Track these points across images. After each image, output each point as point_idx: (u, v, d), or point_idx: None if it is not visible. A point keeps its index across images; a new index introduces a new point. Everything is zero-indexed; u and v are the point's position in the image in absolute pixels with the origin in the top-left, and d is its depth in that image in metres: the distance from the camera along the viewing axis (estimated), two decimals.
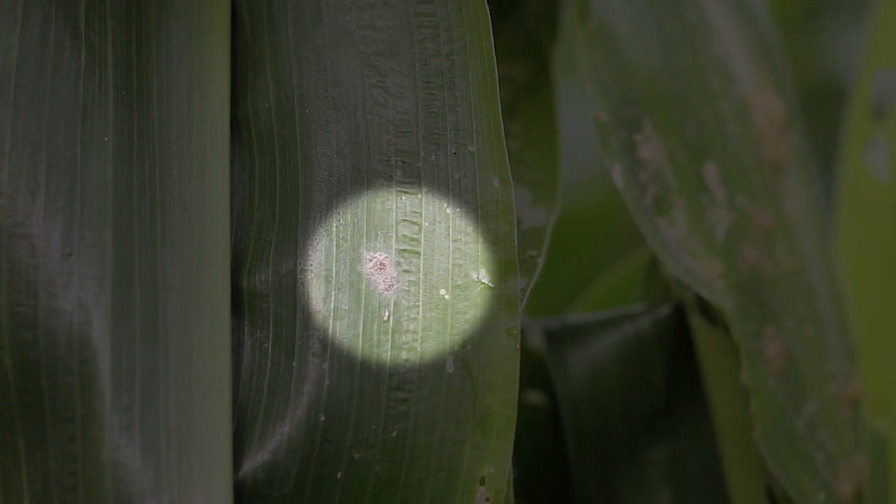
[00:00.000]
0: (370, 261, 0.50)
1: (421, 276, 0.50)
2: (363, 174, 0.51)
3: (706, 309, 0.61)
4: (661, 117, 0.61)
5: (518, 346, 0.49)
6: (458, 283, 0.50)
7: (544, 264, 0.55)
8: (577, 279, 0.86)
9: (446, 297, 0.50)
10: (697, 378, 0.63)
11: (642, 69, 0.61)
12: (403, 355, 0.49)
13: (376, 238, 0.50)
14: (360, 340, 0.49)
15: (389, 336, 0.49)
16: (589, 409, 0.64)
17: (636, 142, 0.59)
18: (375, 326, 0.49)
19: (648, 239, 0.57)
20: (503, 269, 0.50)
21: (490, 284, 0.50)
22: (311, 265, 0.50)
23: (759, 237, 0.62)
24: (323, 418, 0.49)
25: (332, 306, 0.49)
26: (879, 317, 0.65)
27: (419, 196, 0.50)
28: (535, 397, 0.65)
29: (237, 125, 0.53)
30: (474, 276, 0.50)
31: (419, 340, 0.49)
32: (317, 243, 0.50)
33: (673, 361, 0.64)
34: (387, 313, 0.49)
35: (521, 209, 0.58)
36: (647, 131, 0.60)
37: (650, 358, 0.64)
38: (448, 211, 0.50)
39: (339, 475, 0.49)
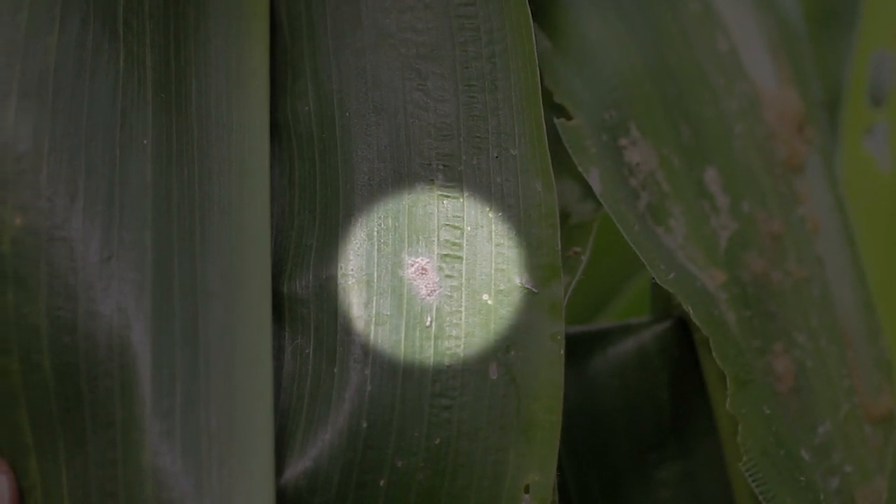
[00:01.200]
0: (412, 265, 0.49)
1: (463, 281, 0.49)
2: (404, 178, 0.50)
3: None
4: (649, 121, 0.59)
5: (562, 351, 0.49)
6: (501, 288, 0.49)
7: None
8: (606, 286, 0.84)
9: (489, 302, 0.49)
10: (706, 395, 0.61)
11: (624, 73, 0.59)
12: (446, 361, 0.49)
13: (418, 242, 0.50)
14: (403, 346, 0.49)
15: (432, 342, 0.49)
16: (587, 428, 0.62)
17: (622, 145, 0.58)
18: (418, 332, 0.49)
19: (636, 246, 0.55)
20: (546, 273, 0.49)
21: (533, 289, 0.49)
22: (352, 270, 0.49)
23: (767, 245, 0.60)
24: (365, 425, 0.48)
25: (374, 312, 0.49)
26: (882, 306, 0.64)
27: (461, 200, 0.50)
28: None
29: (277, 129, 0.53)
30: (517, 280, 0.49)
31: (462, 346, 0.49)
32: (358, 248, 0.50)
33: (678, 377, 0.62)
34: (429, 319, 0.49)
35: (571, 203, 0.57)
36: (635, 135, 0.58)
37: (653, 373, 0.62)
38: (490, 215, 0.50)
39: (381, 483, 0.48)
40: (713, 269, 0.58)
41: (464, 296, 0.49)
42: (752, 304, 0.58)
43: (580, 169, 0.55)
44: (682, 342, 0.61)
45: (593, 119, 0.57)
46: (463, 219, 0.50)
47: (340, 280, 0.49)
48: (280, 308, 0.50)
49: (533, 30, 0.51)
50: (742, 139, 0.61)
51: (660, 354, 0.62)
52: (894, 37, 0.66)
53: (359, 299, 0.49)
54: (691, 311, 0.55)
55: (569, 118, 0.55)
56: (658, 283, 0.55)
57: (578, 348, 0.62)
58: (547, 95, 0.54)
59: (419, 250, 0.50)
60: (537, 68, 0.51)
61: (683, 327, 0.61)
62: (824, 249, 0.62)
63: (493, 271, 0.49)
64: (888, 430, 0.61)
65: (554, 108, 0.57)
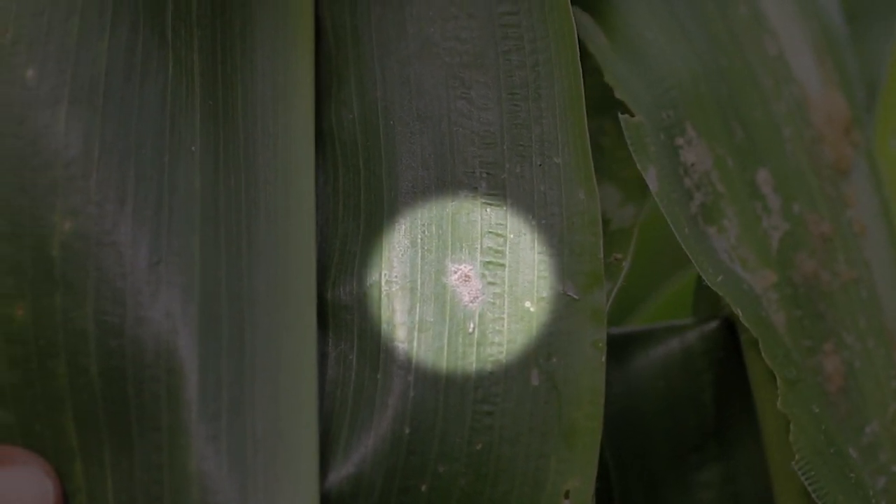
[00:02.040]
0: (455, 272, 0.50)
1: (506, 288, 0.50)
2: (448, 186, 0.51)
3: None
4: (704, 121, 0.59)
5: (604, 359, 0.49)
6: (544, 295, 0.49)
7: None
8: (641, 287, 0.84)
9: (531, 309, 0.49)
10: (749, 396, 0.60)
11: (680, 73, 0.59)
12: (488, 367, 0.49)
13: (461, 250, 0.50)
14: (445, 352, 0.49)
15: (474, 348, 0.49)
16: (630, 430, 0.62)
17: (678, 145, 0.58)
18: (460, 339, 0.49)
19: (687, 248, 0.55)
20: (589, 281, 0.50)
21: (575, 296, 0.49)
22: (395, 277, 0.50)
23: (817, 246, 0.60)
24: (408, 431, 0.48)
25: (417, 318, 0.49)
26: None
27: (504, 208, 0.50)
28: None
29: (321, 137, 0.53)
30: (560, 288, 0.50)
31: (504, 353, 0.49)
32: (402, 255, 0.50)
33: (722, 378, 0.62)
34: (472, 325, 0.49)
35: (611, 209, 0.57)
36: (691, 135, 0.58)
37: (697, 374, 0.62)
38: (533, 223, 0.50)
39: (423, 488, 0.48)
40: (765, 269, 0.58)
41: (506, 303, 0.50)
42: (802, 304, 0.59)
43: (639, 167, 0.55)
44: (728, 343, 0.61)
45: (652, 117, 0.57)
46: (506, 226, 0.50)
47: (384, 287, 0.50)
48: (324, 314, 0.51)
49: (577, 38, 0.52)
50: (791, 142, 0.61)
51: (704, 355, 0.61)
52: None
53: (402, 306, 0.50)
54: (740, 313, 0.55)
55: (630, 115, 0.56)
56: (708, 285, 0.55)
57: (621, 350, 0.62)
58: (590, 101, 0.54)
59: (462, 257, 0.50)
60: (581, 77, 0.51)
61: (729, 328, 0.61)
62: (871, 252, 0.62)
63: (535, 278, 0.50)
64: None
65: (597, 114, 0.57)
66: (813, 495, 0.53)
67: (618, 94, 0.56)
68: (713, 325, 0.62)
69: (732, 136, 0.60)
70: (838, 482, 0.54)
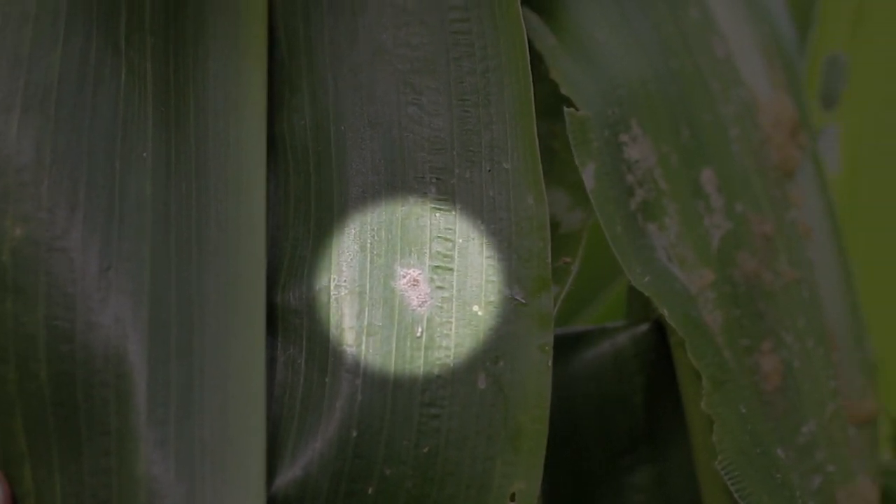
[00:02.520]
0: (404, 277, 0.50)
1: (454, 292, 0.50)
2: (398, 191, 0.51)
3: None
4: (651, 119, 0.59)
5: (550, 363, 0.49)
6: (491, 299, 0.50)
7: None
8: (589, 290, 0.84)
9: (479, 313, 0.50)
10: (679, 397, 0.61)
11: (629, 72, 0.59)
12: (436, 371, 0.49)
13: (410, 254, 0.50)
14: (393, 356, 0.49)
15: (422, 352, 0.49)
16: (562, 432, 0.62)
17: (623, 142, 0.58)
18: (408, 343, 0.49)
19: (615, 247, 0.55)
20: (536, 285, 0.50)
21: (523, 301, 0.50)
22: (344, 281, 0.50)
23: (759, 246, 0.60)
24: (355, 434, 0.49)
25: (366, 322, 0.50)
26: None
27: (453, 213, 0.51)
28: None
29: (273, 143, 0.53)
30: (507, 292, 0.50)
31: (451, 357, 0.49)
32: (351, 259, 0.51)
33: (653, 381, 0.62)
34: (420, 329, 0.50)
35: (559, 213, 0.58)
36: (636, 132, 0.58)
37: (628, 377, 0.62)
38: (482, 228, 0.50)
39: (370, 491, 0.49)
40: (703, 268, 0.58)
41: (454, 307, 0.50)
42: (742, 303, 0.59)
43: (577, 163, 0.55)
44: (658, 345, 0.61)
45: (597, 113, 0.57)
46: (455, 231, 0.51)
47: (333, 291, 0.50)
48: (274, 319, 0.51)
49: (527, 44, 0.52)
50: (738, 142, 0.61)
51: (635, 358, 0.62)
52: (848, 39, 0.65)
53: (351, 310, 0.50)
54: (666, 313, 0.55)
55: (575, 110, 0.56)
56: (633, 285, 0.55)
57: (554, 352, 0.62)
58: (540, 106, 0.54)
59: (411, 262, 0.50)
60: (531, 83, 0.52)
61: (659, 330, 0.62)
62: (814, 253, 0.62)
63: (483, 283, 0.50)
64: (873, 433, 0.61)
65: (548, 118, 0.57)
66: (736, 495, 0.53)
67: (563, 90, 0.56)
68: (644, 327, 0.62)
69: (679, 135, 0.60)
70: (763, 482, 0.54)
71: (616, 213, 0.56)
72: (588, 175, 0.55)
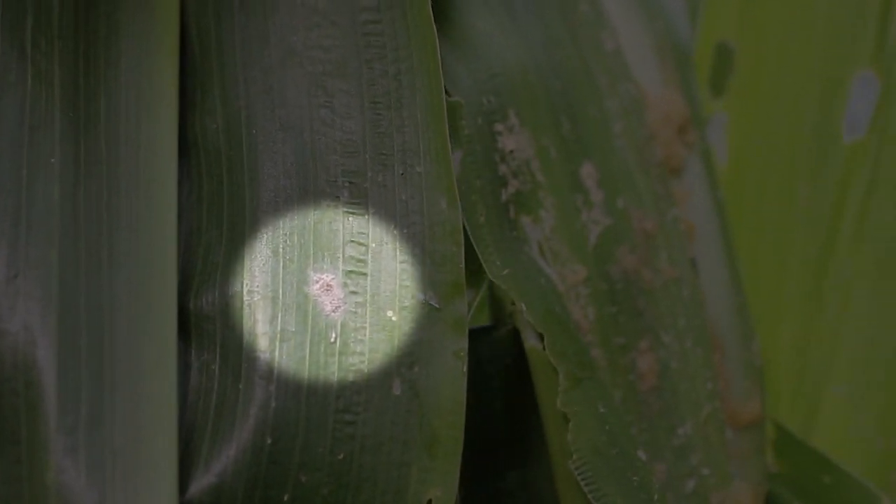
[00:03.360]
0: (317, 282, 0.50)
1: (368, 297, 0.50)
2: (310, 195, 0.51)
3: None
4: (530, 111, 0.59)
5: (465, 368, 0.50)
6: (405, 304, 0.50)
7: None
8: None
9: (393, 318, 0.50)
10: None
11: (508, 62, 0.59)
12: (350, 377, 0.49)
13: (323, 259, 0.50)
14: (307, 362, 0.49)
15: (336, 358, 0.49)
16: None
17: (498, 131, 0.58)
18: (322, 348, 0.49)
19: (474, 239, 0.55)
20: (450, 290, 0.50)
21: (437, 306, 0.50)
22: (257, 287, 0.50)
23: (639, 243, 0.60)
24: (269, 441, 0.48)
25: (279, 328, 0.49)
26: None
27: (366, 217, 0.51)
28: None
29: (186, 146, 0.53)
30: (421, 297, 0.50)
31: (366, 362, 0.49)
32: (263, 264, 0.50)
33: (511, 385, 0.61)
34: (333, 335, 0.49)
35: None
36: (513, 122, 0.58)
37: (487, 381, 0.61)
38: (395, 232, 0.50)
39: (285, 498, 0.49)
40: (577, 264, 0.58)
41: (368, 312, 0.50)
42: (619, 300, 0.59)
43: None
44: (516, 350, 0.60)
45: (471, 101, 0.57)
46: (368, 235, 0.50)
47: (246, 297, 0.50)
48: (187, 325, 0.51)
49: (438, 47, 0.52)
50: (622, 138, 0.61)
51: (492, 362, 0.61)
52: (736, 26, 0.66)
53: (264, 316, 0.50)
54: (524, 307, 0.55)
55: (448, 95, 0.55)
56: (492, 279, 0.54)
57: None
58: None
59: (324, 266, 0.50)
60: (442, 86, 0.52)
61: (517, 334, 0.60)
62: (699, 252, 0.62)
63: (397, 287, 0.50)
64: (757, 436, 0.61)
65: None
66: (589, 496, 0.53)
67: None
68: (502, 331, 0.61)
69: (559, 127, 0.60)
70: (618, 484, 0.53)
71: (480, 203, 0.56)
72: (454, 163, 0.54)
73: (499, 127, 0.58)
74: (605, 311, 0.59)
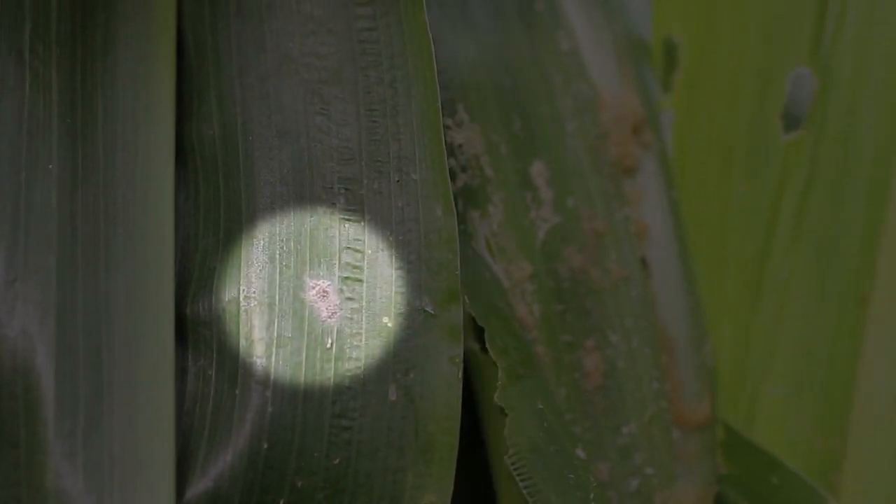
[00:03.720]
0: (313, 288, 0.50)
1: (364, 303, 0.50)
2: (306, 201, 0.51)
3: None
4: (480, 107, 0.59)
5: (461, 374, 0.50)
6: (401, 311, 0.50)
7: None
8: None
9: (389, 324, 0.50)
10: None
11: (457, 58, 0.60)
12: (346, 383, 0.49)
13: (319, 265, 0.50)
14: (303, 368, 0.49)
15: (332, 363, 0.50)
16: None
17: (447, 125, 0.58)
18: (318, 354, 0.50)
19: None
20: (446, 297, 0.50)
21: (432, 313, 0.50)
22: (254, 292, 0.50)
23: (588, 242, 0.61)
24: (266, 446, 0.49)
25: (275, 334, 0.50)
26: None
27: (362, 224, 0.51)
28: None
29: (183, 153, 0.53)
30: (417, 304, 0.50)
31: (362, 368, 0.50)
32: (260, 271, 0.50)
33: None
34: (330, 341, 0.50)
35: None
36: (462, 117, 0.59)
37: None
38: (391, 239, 0.51)
39: (281, 502, 0.49)
40: (522, 260, 0.59)
41: (364, 318, 0.50)
42: (566, 298, 0.59)
43: None
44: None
45: None
46: (364, 242, 0.51)
47: (243, 302, 0.50)
48: (183, 330, 0.51)
49: (434, 55, 0.52)
50: (574, 137, 0.61)
51: None
52: (684, 21, 0.66)
53: (260, 321, 0.50)
54: (467, 301, 0.55)
55: None
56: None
57: None
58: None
59: (320, 273, 0.50)
60: (438, 94, 0.52)
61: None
62: (652, 253, 0.62)
63: (393, 294, 0.50)
64: (707, 438, 0.62)
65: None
66: (524, 492, 0.53)
67: None
68: None
69: (511, 124, 0.60)
70: (554, 481, 0.54)
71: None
72: None
73: (447, 121, 0.58)
74: (552, 309, 0.59)
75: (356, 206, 0.51)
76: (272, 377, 0.49)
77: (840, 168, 0.63)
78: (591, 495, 0.54)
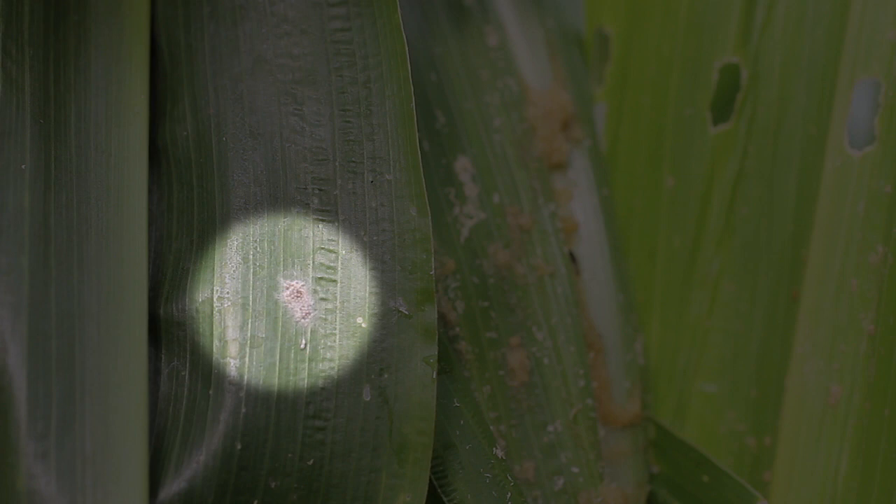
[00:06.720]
0: (287, 289, 0.50)
1: (338, 304, 0.50)
2: (280, 202, 0.51)
3: None
4: None
5: (435, 375, 0.50)
6: (375, 311, 0.50)
7: None
8: None
9: (363, 325, 0.50)
10: None
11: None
12: (320, 383, 0.49)
13: (293, 266, 0.50)
14: (277, 368, 0.49)
15: (306, 364, 0.49)
16: None
17: None
18: (292, 354, 0.49)
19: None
20: (420, 297, 0.50)
21: (406, 313, 0.50)
22: (227, 293, 0.50)
23: (514, 238, 0.60)
24: (239, 446, 0.49)
25: (249, 334, 0.50)
26: None
27: (336, 224, 0.51)
28: None
29: (156, 154, 0.53)
30: (391, 304, 0.50)
31: (336, 368, 0.49)
32: (233, 271, 0.50)
33: None
34: (303, 341, 0.50)
35: None
36: None
37: None
38: (365, 239, 0.51)
39: (255, 503, 0.49)
40: (445, 256, 0.59)
41: (338, 318, 0.50)
42: (491, 295, 0.59)
43: None
44: None
45: None
46: (338, 242, 0.51)
47: (216, 303, 0.50)
48: (157, 331, 0.51)
49: (408, 55, 0.52)
50: (500, 133, 0.61)
51: None
52: (615, 13, 0.65)
53: (234, 322, 0.50)
54: None
55: None
56: None
57: None
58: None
59: (294, 273, 0.50)
60: (412, 95, 0.52)
61: None
62: (582, 249, 0.62)
63: (367, 294, 0.50)
64: (637, 437, 0.61)
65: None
66: (439, 490, 0.53)
67: None
68: None
69: (434, 121, 0.60)
70: (469, 480, 0.54)
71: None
72: None
73: None
74: (476, 306, 0.59)
75: (330, 206, 0.51)
76: (246, 378, 0.49)
77: (770, 161, 0.62)
78: (508, 494, 0.54)
